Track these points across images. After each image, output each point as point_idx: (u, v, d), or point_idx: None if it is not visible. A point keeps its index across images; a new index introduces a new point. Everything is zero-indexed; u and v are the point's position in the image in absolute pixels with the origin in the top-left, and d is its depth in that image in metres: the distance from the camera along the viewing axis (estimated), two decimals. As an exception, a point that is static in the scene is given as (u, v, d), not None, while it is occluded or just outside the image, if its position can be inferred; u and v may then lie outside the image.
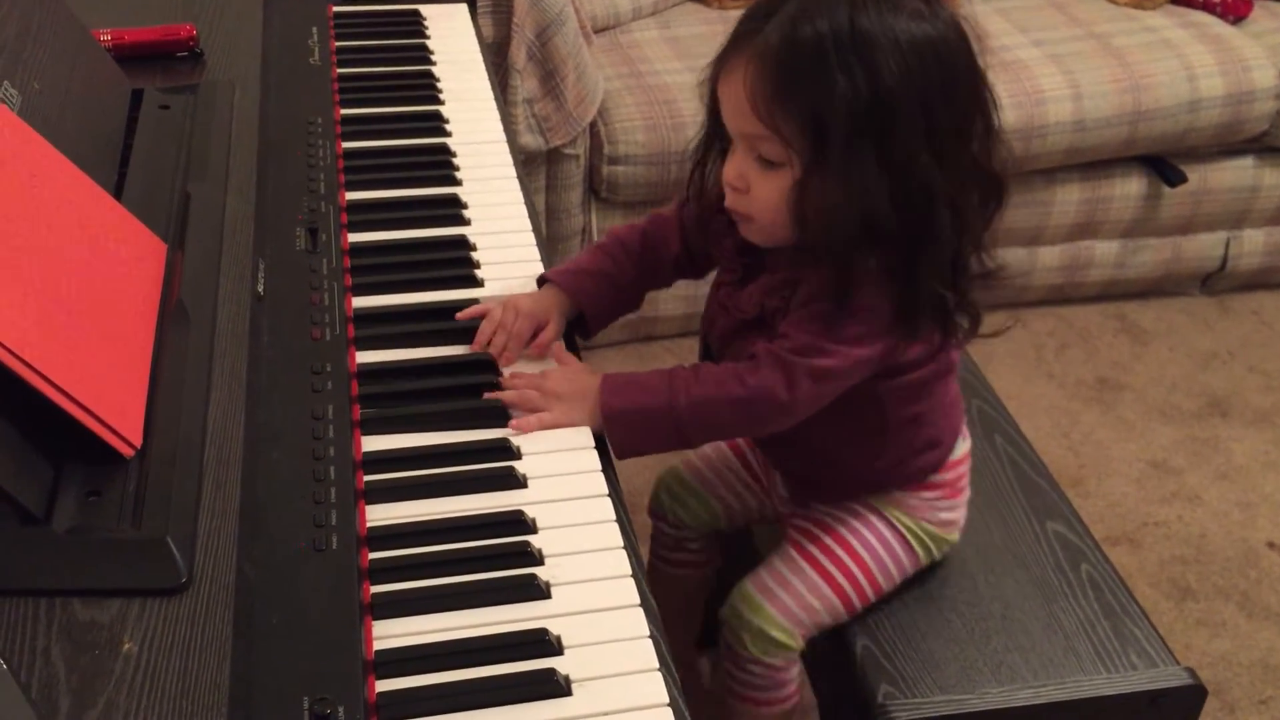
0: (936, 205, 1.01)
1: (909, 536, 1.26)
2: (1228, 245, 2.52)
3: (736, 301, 1.17)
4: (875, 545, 1.26)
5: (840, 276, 1.04)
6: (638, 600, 0.90)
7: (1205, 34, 2.39)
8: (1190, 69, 2.31)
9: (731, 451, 1.42)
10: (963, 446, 1.29)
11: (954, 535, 1.30)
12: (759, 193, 1.06)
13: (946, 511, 1.28)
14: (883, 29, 0.97)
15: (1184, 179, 2.38)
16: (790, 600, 1.25)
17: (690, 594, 1.53)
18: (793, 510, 1.32)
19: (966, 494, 1.30)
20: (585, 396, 1.07)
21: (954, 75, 1.01)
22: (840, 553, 1.25)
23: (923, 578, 1.29)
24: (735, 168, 1.07)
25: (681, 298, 2.26)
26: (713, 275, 1.26)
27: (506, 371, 1.10)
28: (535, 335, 1.15)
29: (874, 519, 1.26)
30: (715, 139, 1.12)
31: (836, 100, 0.97)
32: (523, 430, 1.04)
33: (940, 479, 1.26)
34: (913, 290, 1.05)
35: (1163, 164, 2.39)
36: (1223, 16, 2.48)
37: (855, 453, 1.22)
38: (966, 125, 1.04)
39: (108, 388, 0.82)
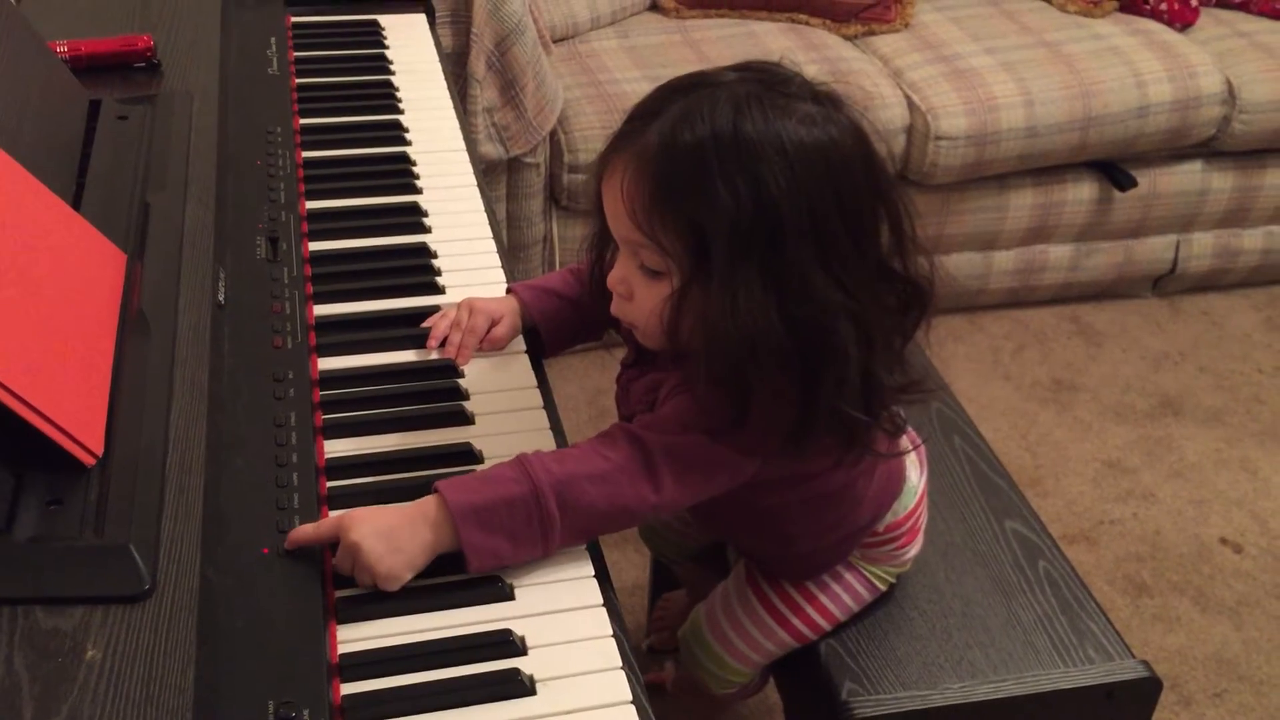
0: (835, 322, 0.91)
1: (870, 576, 1.25)
2: (1178, 248, 2.57)
3: (633, 389, 1.08)
4: (833, 586, 1.23)
5: (735, 398, 0.93)
6: (600, 600, 0.90)
7: (1153, 41, 2.44)
8: (1139, 75, 2.36)
9: None
10: (916, 491, 1.23)
11: (910, 564, 1.28)
12: (641, 300, 0.98)
13: (906, 553, 1.26)
14: (769, 136, 0.89)
15: (1134, 183, 2.42)
16: (744, 646, 1.25)
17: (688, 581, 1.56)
18: None
19: (921, 531, 1.26)
20: (415, 522, 0.89)
21: (850, 184, 0.92)
22: (797, 596, 1.23)
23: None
24: (619, 273, 0.99)
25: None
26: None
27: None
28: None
29: (836, 566, 1.24)
30: (607, 237, 1.02)
31: (717, 212, 0.89)
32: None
33: (896, 533, 1.22)
34: (809, 413, 0.93)
35: (1113, 169, 2.43)
36: (1170, 24, 2.53)
37: (778, 546, 1.19)
38: (867, 236, 0.94)
39: (68, 397, 0.82)
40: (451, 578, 0.90)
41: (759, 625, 1.24)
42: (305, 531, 0.89)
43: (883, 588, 1.27)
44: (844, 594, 1.24)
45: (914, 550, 1.27)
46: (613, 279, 1.00)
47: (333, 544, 0.89)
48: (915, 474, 1.24)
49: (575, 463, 0.94)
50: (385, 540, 0.87)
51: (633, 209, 0.93)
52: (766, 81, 0.93)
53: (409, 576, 0.88)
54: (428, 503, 0.90)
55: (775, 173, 0.89)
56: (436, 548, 0.89)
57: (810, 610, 1.23)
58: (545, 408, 1.09)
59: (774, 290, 0.90)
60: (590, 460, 0.94)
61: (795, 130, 0.90)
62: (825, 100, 0.94)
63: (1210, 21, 2.57)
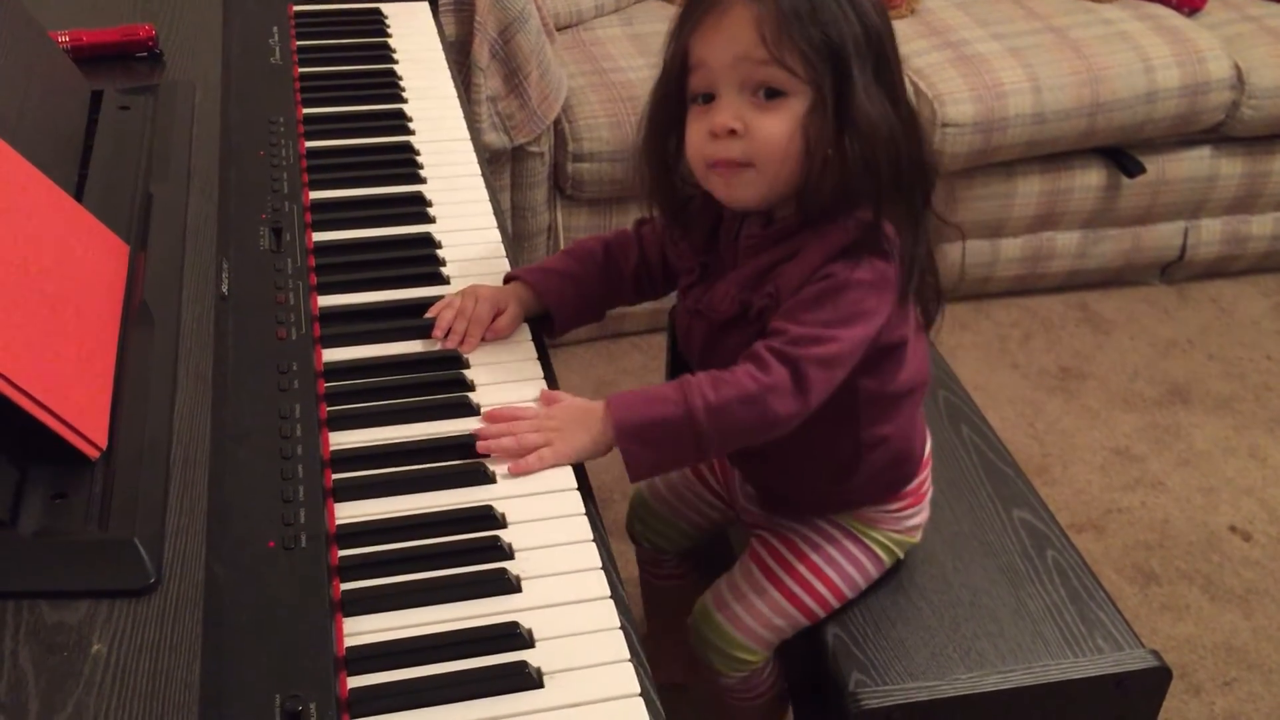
0: (924, 144, 1.09)
1: (875, 547, 1.27)
2: (1186, 235, 2.56)
3: (710, 302, 1.15)
4: (841, 561, 1.26)
5: (875, 214, 1.06)
6: (608, 592, 0.90)
7: (1161, 26, 2.43)
8: (1147, 61, 2.34)
9: (690, 472, 1.42)
10: (924, 454, 1.29)
11: (917, 537, 1.31)
12: (762, 130, 1.04)
13: (912, 518, 1.28)
14: None
15: (1142, 170, 2.41)
16: (754, 622, 1.26)
17: (679, 605, 1.54)
18: (757, 519, 1.32)
19: (930, 494, 1.31)
20: (586, 421, 1.03)
21: (890, 23, 1.08)
22: (805, 571, 1.25)
23: (892, 567, 1.31)
24: (728, 110, 1.05)
25: (648, 294, 2.26)
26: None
27: (484, 409, 1.05)
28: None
29: (839, 535, 1.27)
30: (673, 113, 1.10)
31: (844, 31, 1.02)
32: (522, 472, 0.99)
33: (906, 489, 1.26)
34: (920, 239, 1.08)
35: (1121, 155, 2.42)
36: (1178, 9, 2.51)
37: (826, 471, 1.22)
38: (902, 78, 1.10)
39: (72, 390, 0.81)
40: (458, 570, 0.90)
41: (768, 601, 1.25)
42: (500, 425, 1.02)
43: (888, 561, 1.28)
44: (851, 568, 1.25)
45: (919, 518, 1.29)
46: (724, 119, 1.05)
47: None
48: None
49: (729, 386, 1.04)
50: (566, 412, 1.04)
51: (761, 34, 1.01)
52: None
53: (575, 459, 1.02)
54: (594, 413, 1.04)
55: (865, 5, 1.04)
56: (604, 447, 1.03)
57: (819, 585, 1.24)
58: (551, 398, 1.09)
59: (888, 98, 1.05)
60: (743, 383, 1.04)
61: None
62: None
63: (1219, 6, 2.55)
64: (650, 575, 1.56)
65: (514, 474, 0.99)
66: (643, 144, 1.14)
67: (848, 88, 1.03)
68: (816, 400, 1.06)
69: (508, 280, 1.20)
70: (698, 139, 1.08)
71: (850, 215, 1.07)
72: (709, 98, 1.06)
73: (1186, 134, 2.44)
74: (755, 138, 1.04)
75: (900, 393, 1.17)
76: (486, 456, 1.00)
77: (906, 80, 1.06)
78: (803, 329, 1.05)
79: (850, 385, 1.11)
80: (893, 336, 1.12)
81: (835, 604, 1.26)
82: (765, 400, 1.04)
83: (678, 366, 1.63)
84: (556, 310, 1.20)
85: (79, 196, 1.03)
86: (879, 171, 1.04)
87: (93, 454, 0.81)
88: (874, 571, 1.28)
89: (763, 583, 1.26)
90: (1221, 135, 2.46)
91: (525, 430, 1.02)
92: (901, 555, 1.30)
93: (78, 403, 0.81)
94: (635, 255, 1.25)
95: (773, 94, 1.03)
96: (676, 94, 1.10)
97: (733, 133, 1.05)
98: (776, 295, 1.09)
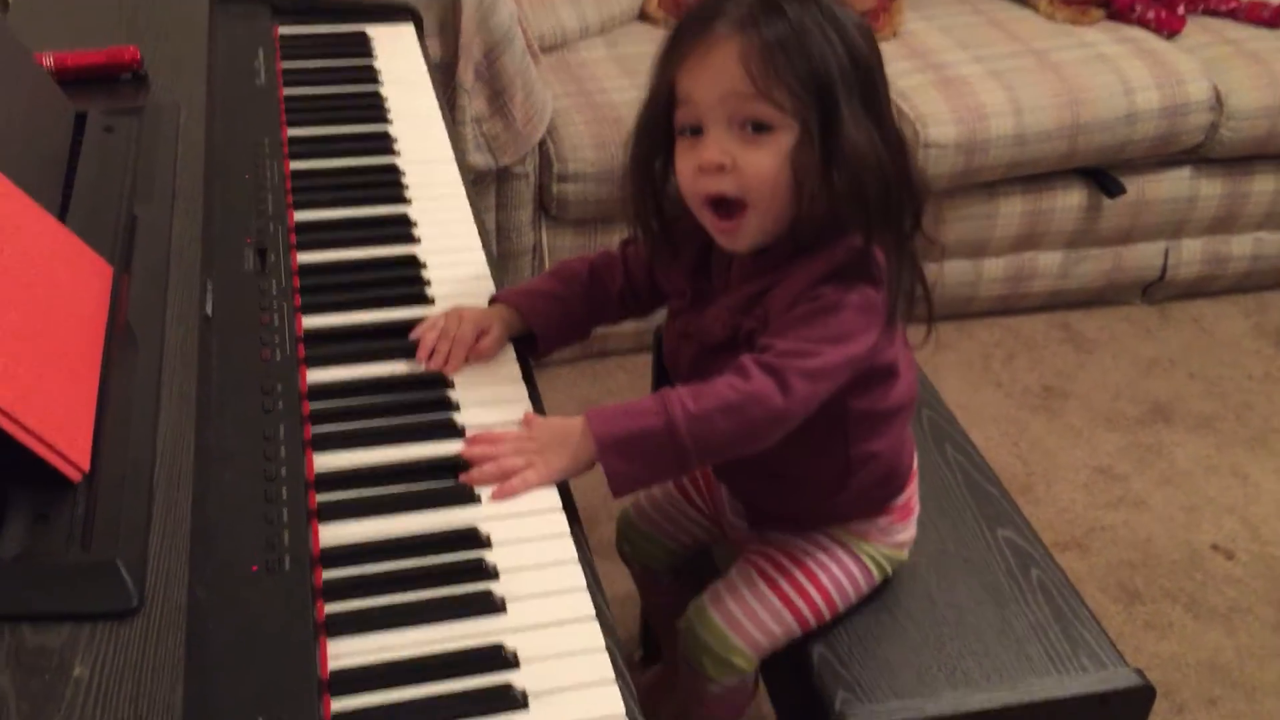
0: (912, 168, 1.09)
1: (866, 560, 1.27)
2: (1167, 255, 2.57)
3: (700, 326, 1.16)
4: (835, 570, 1.26)
5: (879, 224, 1.06)
6: (592, 612, 0.90)
7: (1140, 49, 2.45)
8: (1127, 83, 2.36)
9: (675, 490, 1.43)
10: (911, 466, 1.30)
11: (905, 554, 1.31)
12: (750, 165, 1.05)
13: (901, 533, 1.29)
14: (844, 11, 1.06)
15: (1123, 190, 2.43)
16: (752, 627, 1.26)
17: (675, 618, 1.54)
18: (748, 536, 1.33)
19: (917, 511, 1.31)
20: (566, 439, 1.03)
21: (877, 48, 1.08)
22: (801, 578, 1.26)
23: (879, 585, 1.31)
24: (717, 145, 1.05)
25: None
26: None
27: (469, 433, 1.05)
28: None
29: (832, 545, 1.27)
30: (659, 142, 1.11)
31: (830, 61, 1.03)
32: (505, 496, 0.99)
33: (894, 504, 1.27)
34: (906, 265, 1.08)
35: (1102, 176, 2.44)
36: (1157, 31, 2.53)
37: (815, 488, 1.22)
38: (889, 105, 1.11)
39: (54, 412, 0.81)
40: (442, 591, 0.90)
41: (765, 605, 1.25)
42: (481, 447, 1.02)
43: (877, 575, 1.28)
44: (843, 577, 1.26)
45: (908, 533, 1.30)
46: (712, 155, 1.05)
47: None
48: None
49: (710, 397, 1.04)
50: (546, 432, 1.03)
51: (748, 70, 1.02)
52: None
53: (558, 478, 1.02)
54: (574, 429, 1.03)
55: (851, 33, 1.05)
56: (586, 463, 1.03)
57: (813, 591, 1.25)
58: (536, 419, 1.09)
59: (875, 125, 1.06)
60: (723, 393, 1.04)
61: (845, 10, 1.07)
62: None
63: (1197, 29, 2.58)
64: (647, 595, 1.56)
65: (498, 499, 0.99)
66: (629, 170, 1.15)
67: (835, 118, 1.03)
68: (799, 411, 1.06)
69: (492, 302, 1.20)
70: (688, 173, 1.08)
71: (840, 241, 1.07)
72: (697, 130, 1.07)
73: (1166, 155, 2.46)
74: (744, 172, 1.05)
75: (890, 411, 1.18)
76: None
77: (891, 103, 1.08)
78: (789, 344, 1.06)
79: (839, 405, 1.11)
80: (882, 359, 1.12)
81: (827, 614, 1.26)
82: (746, 409, 1.04)
83: (663, 386, 1.63)
84: (541, 331, 1.20)
85: (63, 218, 1.03)
86: (868, 200, 1.04)
87: (75, 476, 0.81)
88: (864, 584, 1.28)
89: (760, 586, 1.26)
90: (1201, 156, 2.48)
91: (507, 453, 1.02)
92: (890, 571, 1.30)
93: (60, 425, 0.81)
94: (620, 276, 1.25)
95: (760, 128, 1.04)
96: (664, 124, 1.10)
97: (722, 168, 1.05)
98: (765, 317, 1.10)
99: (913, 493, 1.30)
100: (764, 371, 1.05)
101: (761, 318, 1.10)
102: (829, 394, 1.08)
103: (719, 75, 1.04)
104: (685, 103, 1.07)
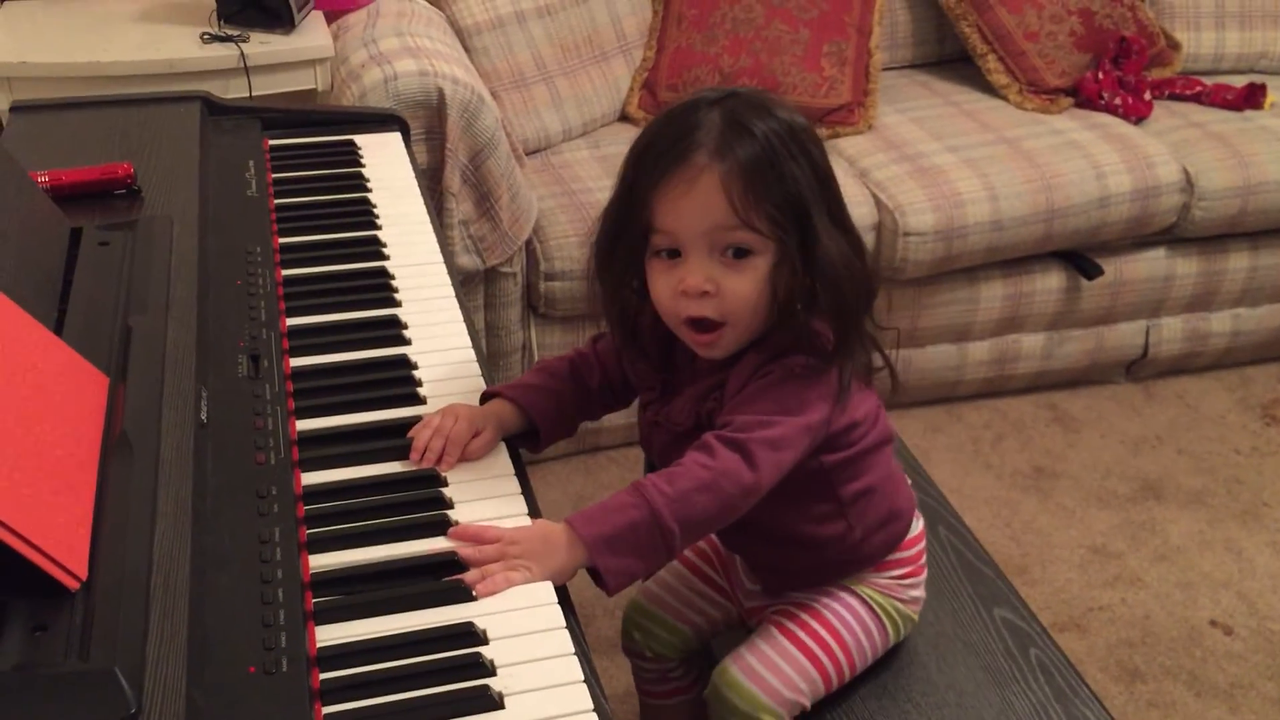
0: (867, 261, 1.14)
1: (881, 614, 1.29)
2: (1148, 333, 2.61)
3: (668, 416, 1.20)
4: (853, 623, 1.28)
5: (842, 326, 1.11)
6: (591, 705, 0.90)
7: (1110, 134, 2.51)
8: (1098, 167, 2.42)
9: (687, 569, 1.42)
10: (918, 525, 1.32)
11: (916, 614, 1.33)
12: (734, 287, 1.09)
13: (913, 589, 1.31)
14: (795, 123, 1.10)
15: (1100, 272, 2.47)
16: (778, 682, 1.25)
17: (687, 717, 1.52)
18: (765, 603, 1.33)
19: (925, 573, 1.33)
20: (550, 545, 1.03)
21: (827, 158, 1.14)
22: (822, 631, 1.27)
23: (876, 669, 1.30)
24: (700, 272, 1.09)
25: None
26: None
27: (454, 543, 1.04)
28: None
29: (849, 597, 1.29)
30: (633, 266, 1.14)
31: (803, 185, 1.08)
32: (486, 593, 0.98)
33: (904, 556, 1.29)
34: (862, 343, 1.13)
35: (1080, 258, 2.48)
36: (1124, 117, 2.60)
37: (821, 535, 1.24)
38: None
39: (52, 522, 0.82)
40: (440, 689, 0.90)
41: (788, 658, 1.25)
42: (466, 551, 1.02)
43: (892, 634, 1.30)
44: (861, 632, 1.27)
45: (919, 591, 1.32)
46: (695, 282, 1.09)
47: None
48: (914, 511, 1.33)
49: (683, 478, 1.07)
50: (544, 544, 1.02)
51: (731, 201, 1.06)
52: (737, 90, 1.13)
53: (539, 580, 1.01)
54: (557, 534, 1.03)
55: (810, 147, 1.10)
56: (571, 569, 1.03)
57: (834, 645, 1.26)
58: (529, 514, 1.09)
59: (843, 233, 1.11)
60: (695, 473, 1.07)
61: (794, 116, 1.12)
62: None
63: (1164, 114, 2.65)
64: (651, 694, 1.53)
65: (484, 594, 0.99)
66: (599, 277, 1.18)
67: (811, 237, 1.08)
68: (768, 480, 1.09)
69: (486, 396, 1.22)
70: (666, 295, 1.12)
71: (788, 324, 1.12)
72: (674, 253, 1.11)
73: (1141, 236, 2.51)
74: (726, 297, 1.10)
75: (866, 450, 1.21)
76: (466, 569, 1.01)
77: (868, 192, 1.13)
78: (747, 417, 1.10)
79: (815, 461, 1.16)
80: (841, 423, 1.17)
81: (848, 669, 1.27)
82: (719, 485, 1.07)
83: (654, 479, 1.64)
84: (542, 423, 1.22)
85: (59, 330, 1.04)
86: (846, 305, 1.10)
87: (73, 585, 0.81)
88: (880, 641, 1.29)
89: (781, 640, 1.27)
90: (1175, 236, 2.53)
91: (489, 558, 1.01)
92: (904, 632, 1.31)
93: (57, 534, 0.82)
94: (597, 371, 1.28)
95: (740, 253, 1.09)
96: (640, 247, 1.13)
97: (705, 294, 1.10)
98: (722, 398, 1.14)
99: (922, 549, 1.32)
100: (728, 446, 1.08)
101: (719, 399, 1.15)
102: (793, 462, 1.12)
103: (703, 210, 1.08)
104: (663, 231, 1.11)
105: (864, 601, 1.28)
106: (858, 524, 1.23)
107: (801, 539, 1.24)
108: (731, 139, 1.07)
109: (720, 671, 1.28)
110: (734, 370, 1.14)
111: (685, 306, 1.11)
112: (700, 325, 1.12)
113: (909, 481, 1.33)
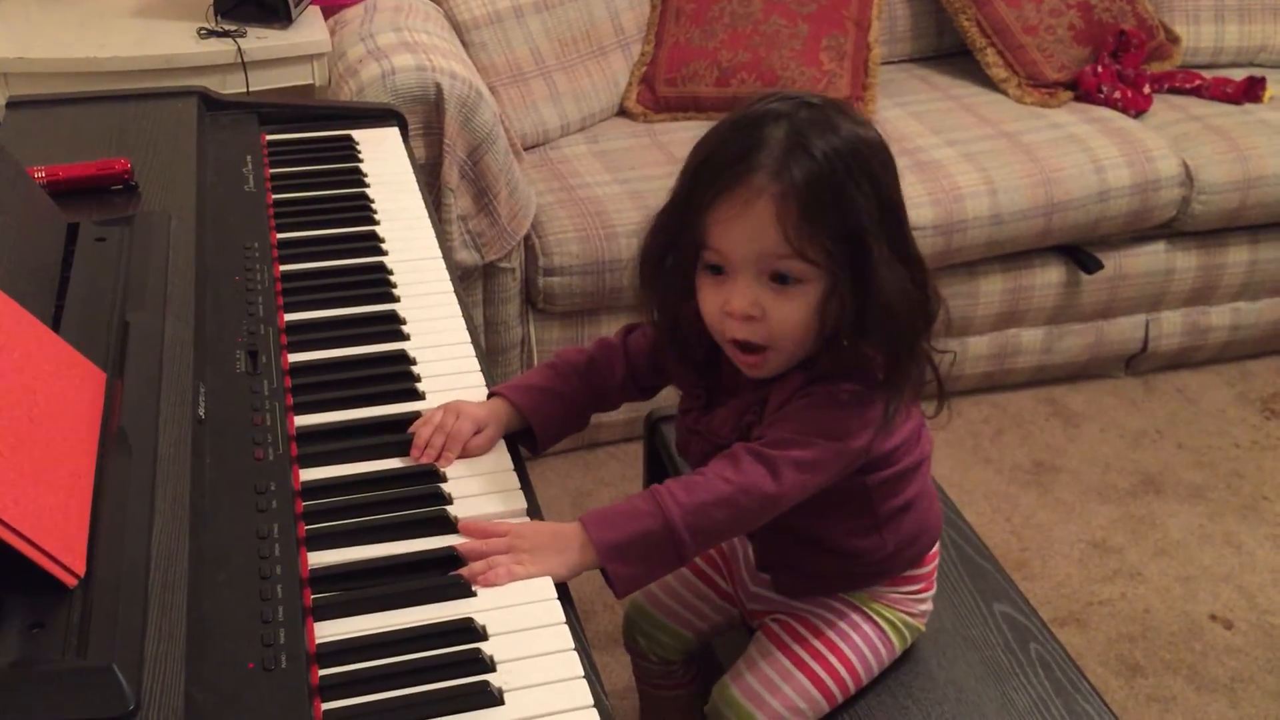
0: (929, 285, 1.09)
1: (888, 629, 1.27)
2: (1147, 327, 2.61)
3: (709, 427, 1.18)
4: (859, 642, 1.26)
5: (894, 358, 1.07)
6: (591, 701, 0.89)
7: (1109, 128, 2.51)
8: (1098, 161, 2.42)
9: (690, 573, 1.42)
10: (939, 519, 1.31)
11: (923, 626, 1.31)
12: (782, 313, 1.06)
13: (923, 602, 1.30)
14: (860, 140, 1.05)
15: (1100, 266, 2.47)
16: (778, 704, 1.24)
17: (684, 712, 1.52)
18: (767, 608, 1.32)
19: (935, 588, 1.32)
20: (560, 544, 1.03)
21: (895, 174, 1.09)
22: (826, 653, 1.25)
23: (897, 658, 1.30)
24: (747, 296, 1.07)
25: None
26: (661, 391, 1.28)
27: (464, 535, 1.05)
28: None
29: (855, 616, 1.27)
30: (682, 277, 1.11)
31: (863, 213, 1.03)
32: (490, 584, 0.98)
33: (919, 572, 1.28)
34: (917, 363, 1.09)
35: (1079, 252, 2.48)
36: (1124, 111, 2.60)
37: (854, 546, 1.22)
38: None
39: (50, 519, 0.82)
40: (439, 685, 0.89)
41: (791, 682, 1.24)
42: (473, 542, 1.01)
43: (897, 645, 1.29)
44: (865, 647, 1.26)
45: (928, 604, 1.30)
46: (741, 305, 1.07)
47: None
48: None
49: (703, 490, 1.06)
50: (539, 535, 1.02)
51: (785, 232, 1.03)
52: (809, 99, 1.08)
53: (542, 575, 1.00)
54: (570, 535, 1.03)
55: (876, 168, 1.05)
56: (579, 569, 1.03)
57: (836, 663, 1.25)
58: (528, 511, 1.09)
59: (902, 263, 1.06)
60: (715, 485, 1.06)
61: (864, 132, 1.07)
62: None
63: (1163, 107, 2.64)
64: (653, 688, 1.53)
65: (484, 586, 0.99)
66: (642, 279, 1.16)
67: (867, 268, 1.04)
68: (791, 497, 1.08)
69: (492, 395, 1.21)
70: (714, 311, 1.10)
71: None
72: (720, 269, 1.09)
73: (1140, 230, 2.51)
74: (772, 321, 1.07)
75: (907, 469, 1.19)
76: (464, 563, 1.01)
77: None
78: (781, 433, 1.08)
79: (859, 479, 1.14)
80: (884, 446, 1.14)
81: (851, 686, 1.26)
82: (738, 500, 1.06)
83: (655, 475, 1.64)
84: (539, 428, 1.20)
85: (56, 326, 1.04)
86: (900, 336, 1.07)
87: (70, 582, 0.81)
88: (885, 654, 1.28)
89: (784, 662, 1.25)
90: (1174, 230, 2.53)
91: (497, 550, 1.02)
92: (909, 641, 1.30)
93: (55, 531, 0.81)
94: (621, 365, 1.26)
95: (790, 280, 1.06)
96: (691, 261, 1.11)
97: (750, 318, 1.07)
98: (763, 411, 1.12)
99: (936, 564, 1.31)
100: (755, 459, 1.07)
101: (759, 414, 1.12)
102: (821, 486, 1.09)
103: (755, 236, 1.04)
104: (713, 249, 1.08)
105: (869, 618, 1.27)
106: (891, 539, 1.22)
107: (832, 547, 1.23)
108: (791, 162, 1.03)
109: (721, 689, 1.28)
110: (776, 386, 1.12)
111: (730, 328, 1.09)
112: (745, 347, 1.10)
113: (940, 506, 1.31)
